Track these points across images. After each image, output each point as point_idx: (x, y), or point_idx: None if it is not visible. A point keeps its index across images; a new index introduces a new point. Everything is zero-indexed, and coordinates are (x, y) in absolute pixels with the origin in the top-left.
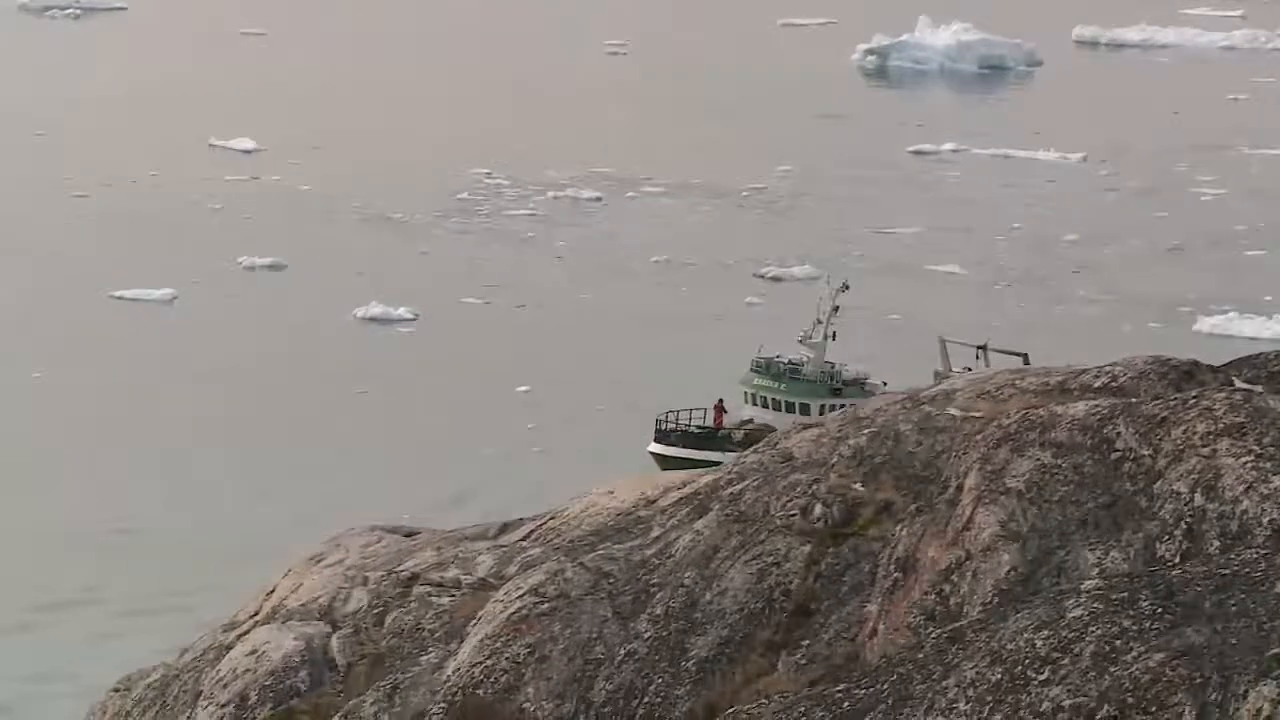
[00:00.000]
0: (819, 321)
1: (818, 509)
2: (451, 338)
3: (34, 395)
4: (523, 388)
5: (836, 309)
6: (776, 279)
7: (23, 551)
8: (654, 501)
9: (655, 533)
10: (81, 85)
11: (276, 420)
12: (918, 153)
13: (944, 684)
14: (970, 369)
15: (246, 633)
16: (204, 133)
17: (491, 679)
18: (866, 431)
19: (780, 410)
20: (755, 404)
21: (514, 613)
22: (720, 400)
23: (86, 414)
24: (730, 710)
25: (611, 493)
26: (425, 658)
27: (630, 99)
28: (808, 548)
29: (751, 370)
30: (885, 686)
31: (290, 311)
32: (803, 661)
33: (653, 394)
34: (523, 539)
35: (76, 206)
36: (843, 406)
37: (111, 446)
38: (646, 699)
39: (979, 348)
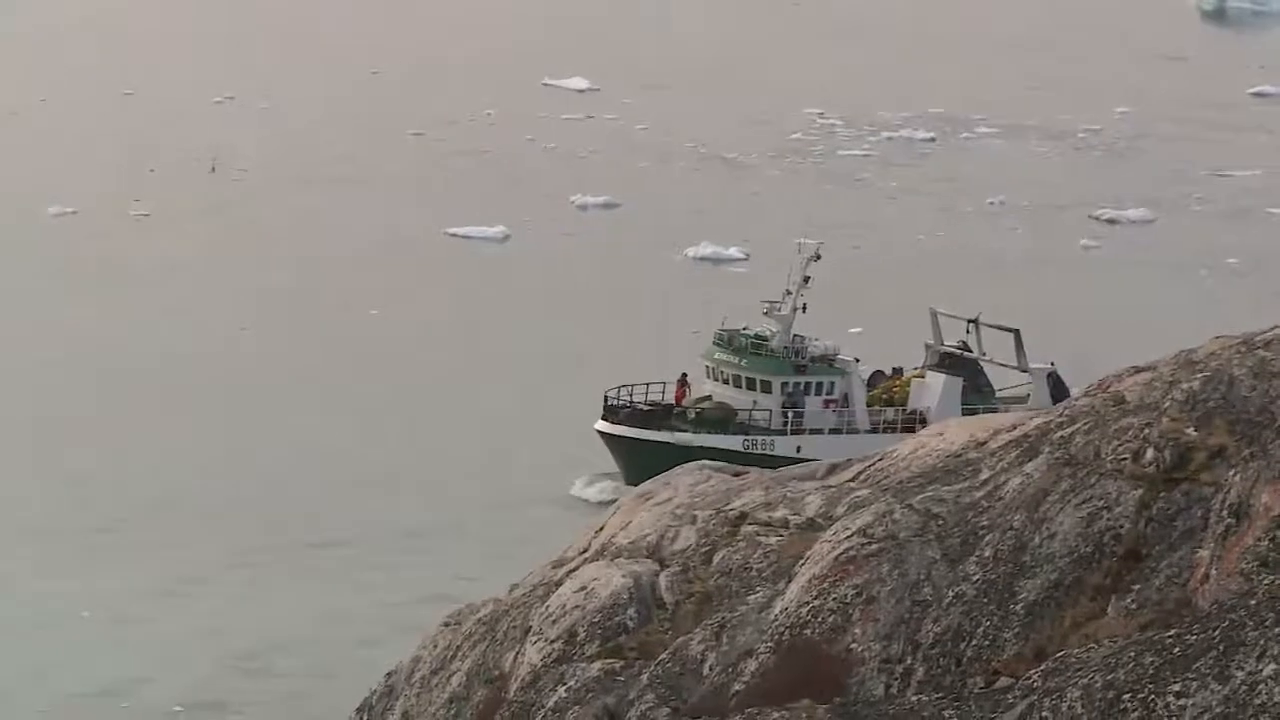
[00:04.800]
0: (789, 292)
1: (1149, 453)
2: (783, 278)
3: (369, 333)
4: (855, 329)
5: (808, 279)
6: (1111, 221)
7: (371, 487)
8: (983, 444)
9: (984, 475)
10: (411, 26)
11: (608, 359)
12: (1258, 95)
13: (1277, 631)
14: (964, 343)
15: (576, 569)
16: (538, 72)
17: (819, 619)
18: (1199, 376)
19: (740, 387)
20: (715, 379)
21: (842, 553)
22: (684, 375)
23: (417, 354)
24: (1059, 654)
25: (941, 434)
26: (753, 597)
27: (964, 40)
28: (1139, 492)
29: (714, 343)
30: (1216, 633)
31: (622, 250)
32: (1133, 606)
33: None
34: (851, 480)
35: (413, 145)
36: (806, 385)
37: (439, 385)
38: (974, 641)
39: (970, 321)
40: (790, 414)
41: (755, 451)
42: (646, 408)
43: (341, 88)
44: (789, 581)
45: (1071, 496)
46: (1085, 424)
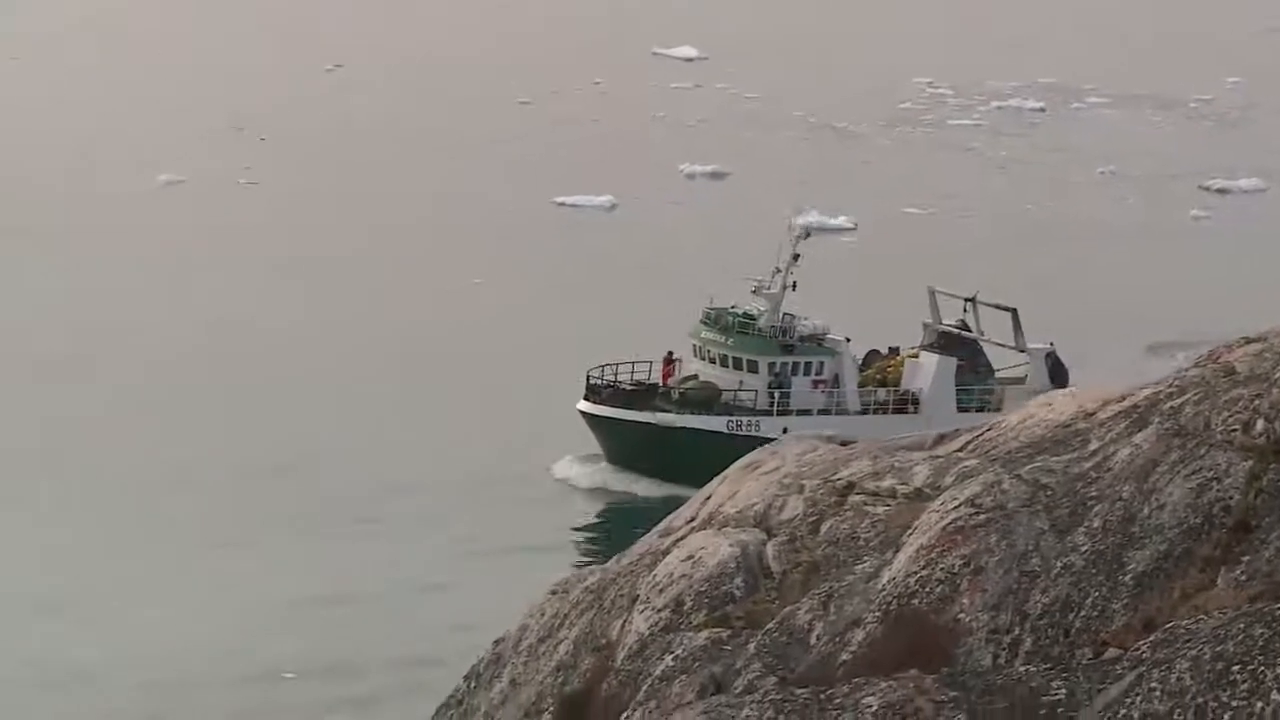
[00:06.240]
0: (778, 270)
1: (1260, 424)
2: (891, 246)
3: (473, 302)
4: None
5: (797, 257)
6: (1223, 191)
7: (481, 453)
8: (1092, 414)
9: (1093, 445)
10: None
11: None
12: None
13: None
14: (964, 322)
15: (683, 538)
16: (647, 41)
17: (927, 589)
18: None
19: (727, 367)
20: (702, 359)
21: (950, 523)
22: (670, 354)
23: (521, 324)
24: (1168, 625)
25: (1050, 405)
26: (860, 566)
27: (1073, 8)
28: (1249, 463)
29: (701, 321)
30: None
31: (729, 219)
32: (1242, 578)
33: (1095, 307)
34: (959, 450)
35: (522, 114)
36: (794, 365)
37: (539, 357)
38: (1083, 612)
39: (968, 300)
40: (777, 394)
41: (740, 433)
42: (630, 387)
43: (450, 57)
44: (896, 551)
45: (1181, 467)
46: (1195, 395)
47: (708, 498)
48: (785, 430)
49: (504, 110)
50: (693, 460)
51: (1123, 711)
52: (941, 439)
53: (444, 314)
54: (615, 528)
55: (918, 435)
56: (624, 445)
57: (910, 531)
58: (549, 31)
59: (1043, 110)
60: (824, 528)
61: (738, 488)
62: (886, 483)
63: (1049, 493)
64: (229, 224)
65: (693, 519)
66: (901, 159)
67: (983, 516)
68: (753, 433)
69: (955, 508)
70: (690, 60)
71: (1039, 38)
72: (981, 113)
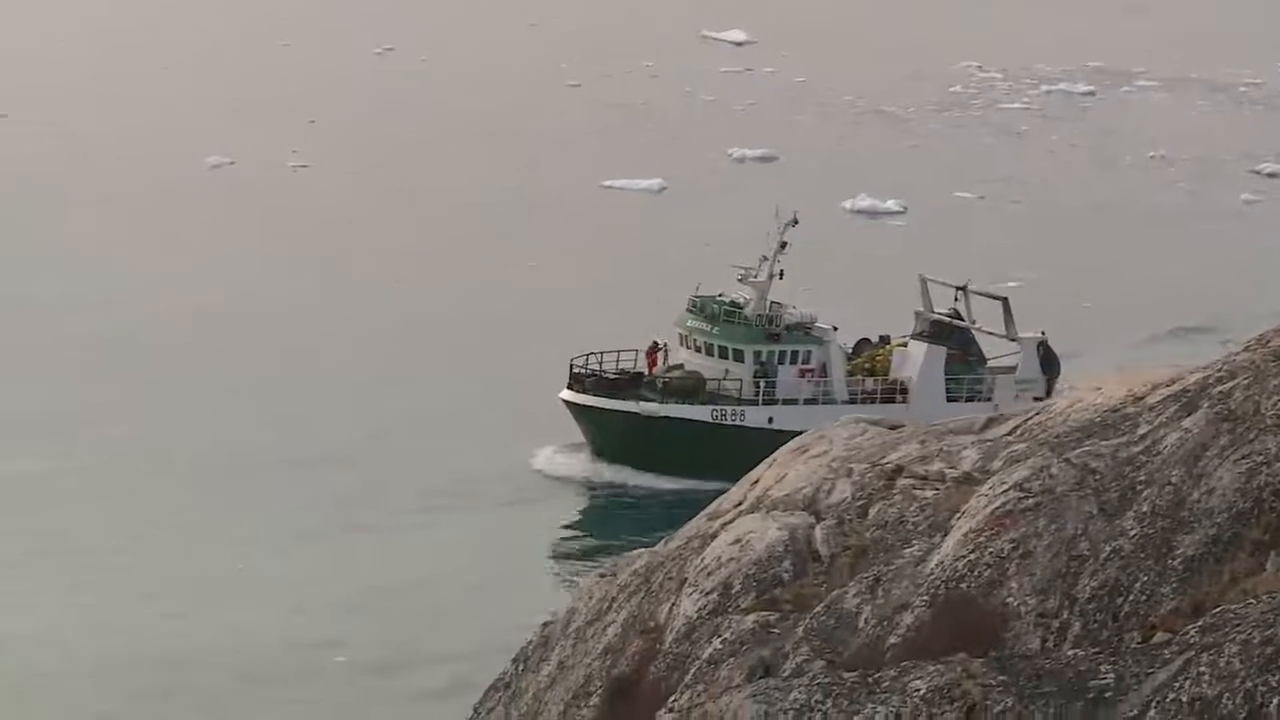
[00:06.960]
0: (765, 258)
1: None
2: (941, 231)
3: (526, 285)
4: (1012, 283)
5: (784, 245)
6: (1273, 175)
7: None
8: (1141, 399)
9: (1142, 430)
10: None
11: None
12: None
13: None
14: (956, 311)
15: (731, 522)
16: (696, 24)
17: (975, 573)
18: None
19: (712, 356)
20: (689, 348)
21: (998, 507)
22: (654, 343)
23: (569, 310)
24: (1217, 609)
25: (1099, 389)
26: (908, 550)
27: None
28: None
29: (687, 310)
30: None
31: (778, 203)
32: None
33: (1141, 294)
34: (1008, 434)
35: (571, 96)
36: (780, 354)
37: (596, 340)
38: (1131, 596)
39: (959, 288)
40: (762, 384)
41: (725, 423)
42: (613, 376)
43: (500, 40)
44: (945, 535)
45: (1230, 452)
46: (1245, 379)
47: (755, 481)
48: (770, 420)
49: (554, 93)
50: (677, 450)
51: (1171, 695)
52: (990, 423)
53: (485, 299)
54: (601, 519)
55: (966, 419)
56: (608, 435)
57: (958, 515)
58: (599, 14)
59: (1092, 94)
60: (872, 511)
61: (785, 471)
62: (935, 466)
63: (1098, 477)
64: (277, 206)
65: (740, 502)
66: (951, 143)
67: (1031, 500)
68: (738, 422)
69: (1004, 491)
70: (740, 44)
71: (1088, 21)
72: (1031, 96)
